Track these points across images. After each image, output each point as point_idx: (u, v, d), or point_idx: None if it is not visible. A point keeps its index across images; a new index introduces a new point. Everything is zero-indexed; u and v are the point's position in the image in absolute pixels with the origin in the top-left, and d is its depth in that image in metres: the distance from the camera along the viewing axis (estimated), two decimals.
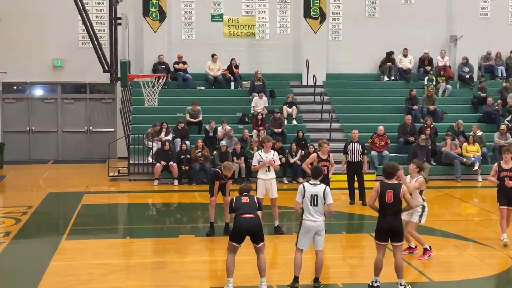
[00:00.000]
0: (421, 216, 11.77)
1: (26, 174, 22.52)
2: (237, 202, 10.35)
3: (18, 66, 24.63)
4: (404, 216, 10.69)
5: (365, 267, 11.23)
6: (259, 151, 14.23)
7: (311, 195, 10.12)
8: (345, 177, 17.44)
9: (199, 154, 20.30)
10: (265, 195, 13.88)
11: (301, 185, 10.36)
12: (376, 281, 10.18)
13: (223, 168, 13.36)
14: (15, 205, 17.13)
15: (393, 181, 10.09)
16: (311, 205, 10.11)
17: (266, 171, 13.88)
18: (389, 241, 10.08)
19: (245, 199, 10.36)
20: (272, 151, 14.23)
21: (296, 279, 10.21)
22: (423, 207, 11.78)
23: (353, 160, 17.22)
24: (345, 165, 17.33)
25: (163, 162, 20.32)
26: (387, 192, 9.94)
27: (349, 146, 17.32)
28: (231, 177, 13.65)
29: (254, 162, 14.13)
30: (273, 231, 13.76)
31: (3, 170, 22.97)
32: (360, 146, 17.28)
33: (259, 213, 10.31)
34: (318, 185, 10.24)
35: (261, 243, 10.12)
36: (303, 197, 10.15)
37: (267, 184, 13.86)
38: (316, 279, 10.27)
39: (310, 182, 10.31)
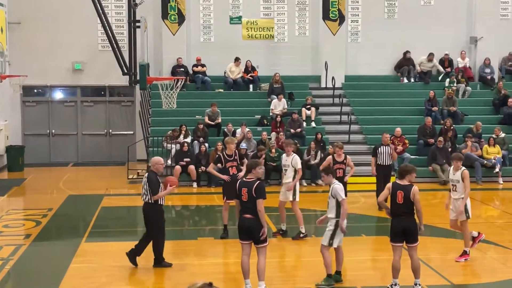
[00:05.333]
0: (466, 212, 11.90)
1: (46, 176, 22.65)
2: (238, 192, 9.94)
3: (38, 69, 24.80)
4: (452, 215, 11.29)
5: (384, 270, 11.16)
6: (283, 155, 14.08)
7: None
8: (366, 179, 17.30)
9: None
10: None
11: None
12: (395, 284, 10.13)
13: (225, 143, 13.35)
14: (35, 207, 17.24)
15: (405, 182, 10.03)
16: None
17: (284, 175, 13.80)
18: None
19: (244, 193, 9.83)
20: (293, 154, 13.91)
21: None
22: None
23: (383, 164, 16.98)
24: (375, 168, 16.94)
25: (182, 163, 20.33)
26: (398, 193, 9.95)
27: (379, 149, 17.03)
28: (241, 158, 13.59)
29: None
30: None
31: (24, 173, 23.14)
32: (390, 149, 17.05)
33: (259, 201, 9.78)
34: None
35: (262, 245, 9.96)
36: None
37: (282, 188, 13.78)
38: None
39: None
